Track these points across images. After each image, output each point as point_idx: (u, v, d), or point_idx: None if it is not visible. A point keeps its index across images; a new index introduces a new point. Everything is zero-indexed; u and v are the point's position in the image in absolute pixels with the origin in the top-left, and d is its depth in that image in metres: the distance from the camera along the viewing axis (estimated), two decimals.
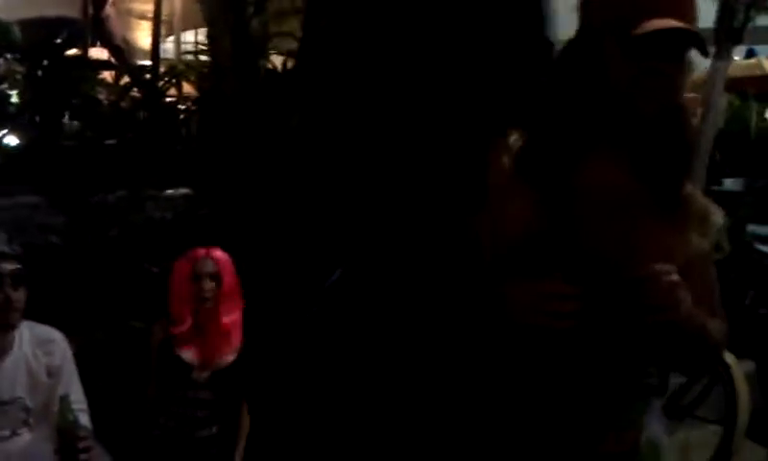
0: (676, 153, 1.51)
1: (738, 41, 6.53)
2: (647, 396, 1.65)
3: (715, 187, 8.27)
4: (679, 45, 1.42)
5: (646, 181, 1.51)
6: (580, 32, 1.53)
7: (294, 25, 6.86)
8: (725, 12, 6.41)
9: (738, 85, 13.50)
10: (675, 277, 1.42)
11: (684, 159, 1.54)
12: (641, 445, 1.65)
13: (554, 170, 1.43)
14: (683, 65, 1.45)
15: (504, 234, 1.44)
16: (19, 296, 2.61)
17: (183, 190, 5.48)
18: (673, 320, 1.44)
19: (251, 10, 5.33)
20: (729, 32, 6.38)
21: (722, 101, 15.98)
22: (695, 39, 1.40)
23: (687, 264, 1.51)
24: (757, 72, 12.51)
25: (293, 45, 6.56)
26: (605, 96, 1.45)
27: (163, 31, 11.55)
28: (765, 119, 12.95)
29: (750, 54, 16.59)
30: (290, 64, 6.21)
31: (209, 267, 3.11)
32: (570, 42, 1.54)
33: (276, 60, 6.47)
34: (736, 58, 17.46)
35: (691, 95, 13.06)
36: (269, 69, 6.00)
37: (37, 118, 6.03)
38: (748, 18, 6.36)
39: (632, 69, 1.40)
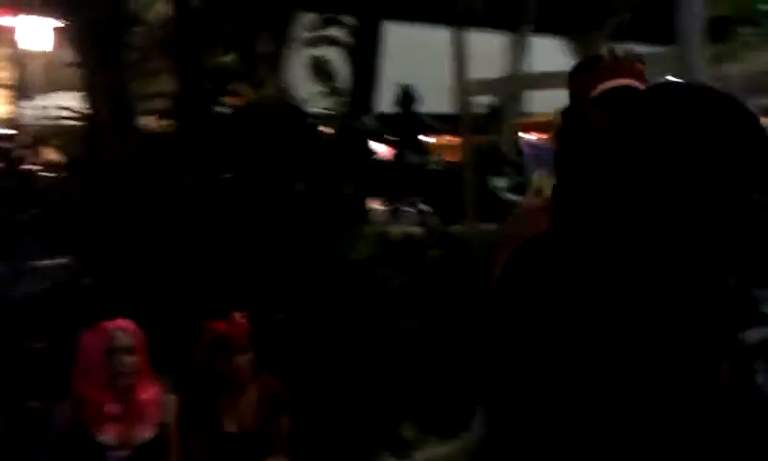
0: None
1: None
2: None
3: None
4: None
5: None
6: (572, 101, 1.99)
7: (166, 84, 6.76)
8: (583, 54, 6.82)
9: None
10: None
11: None
12: None
13: None
14: None
15: None
16: None
17: (62, 260, 5.24)
18: None
19: (128, 72, 5.22)
20: None
21: None
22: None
23: None
24: None
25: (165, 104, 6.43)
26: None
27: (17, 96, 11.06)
28: None
29: None
30: (165, 124, 6.11)
31: (124, 340, 2.95)
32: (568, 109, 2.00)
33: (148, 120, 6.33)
34: None
35: None
36: (147, 130, 5.89)
37: None
38: None
39: (604, 119, 1.67)
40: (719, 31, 10.89)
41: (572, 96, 2.00)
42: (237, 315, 3.15)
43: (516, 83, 13.78)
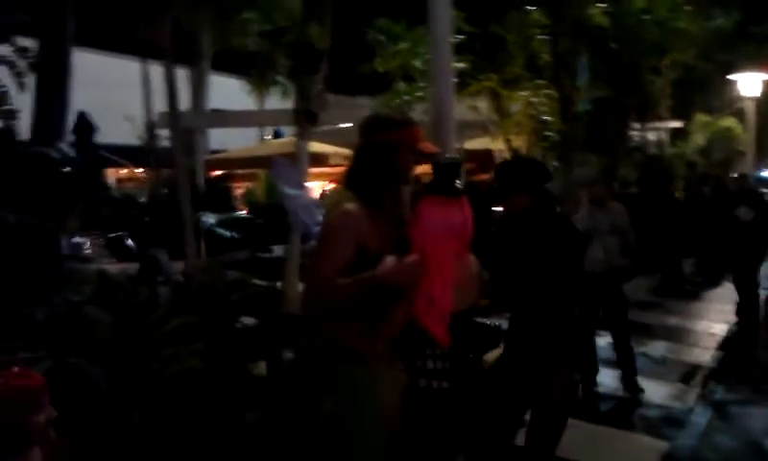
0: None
1: (315, 123, 7.11)
2: None
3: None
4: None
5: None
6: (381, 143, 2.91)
7: None
8: (302, 97, 6.98)
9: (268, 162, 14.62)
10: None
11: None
12: None
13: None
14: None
15: None
16: None
17: None
18: None
19: None
20: (307, 115, 6.93)
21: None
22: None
23: None
24: (291, 149, 13.80)
25: None
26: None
27: None
28: None
29: (277, 135, 18.14)
30: None
31: None
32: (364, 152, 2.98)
33: None
34: (268, 137, 18.95)
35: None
36: None
37: None
38: (322, 103, 6.98)
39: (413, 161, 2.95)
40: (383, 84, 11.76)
41: (373, 144, 2.87)
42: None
43: (208, 118, 13.59)
